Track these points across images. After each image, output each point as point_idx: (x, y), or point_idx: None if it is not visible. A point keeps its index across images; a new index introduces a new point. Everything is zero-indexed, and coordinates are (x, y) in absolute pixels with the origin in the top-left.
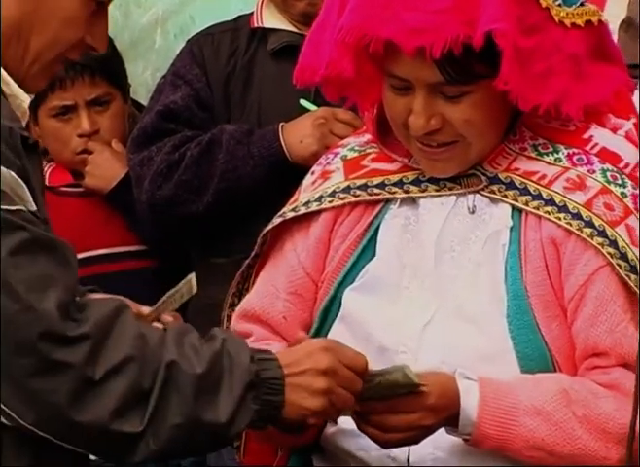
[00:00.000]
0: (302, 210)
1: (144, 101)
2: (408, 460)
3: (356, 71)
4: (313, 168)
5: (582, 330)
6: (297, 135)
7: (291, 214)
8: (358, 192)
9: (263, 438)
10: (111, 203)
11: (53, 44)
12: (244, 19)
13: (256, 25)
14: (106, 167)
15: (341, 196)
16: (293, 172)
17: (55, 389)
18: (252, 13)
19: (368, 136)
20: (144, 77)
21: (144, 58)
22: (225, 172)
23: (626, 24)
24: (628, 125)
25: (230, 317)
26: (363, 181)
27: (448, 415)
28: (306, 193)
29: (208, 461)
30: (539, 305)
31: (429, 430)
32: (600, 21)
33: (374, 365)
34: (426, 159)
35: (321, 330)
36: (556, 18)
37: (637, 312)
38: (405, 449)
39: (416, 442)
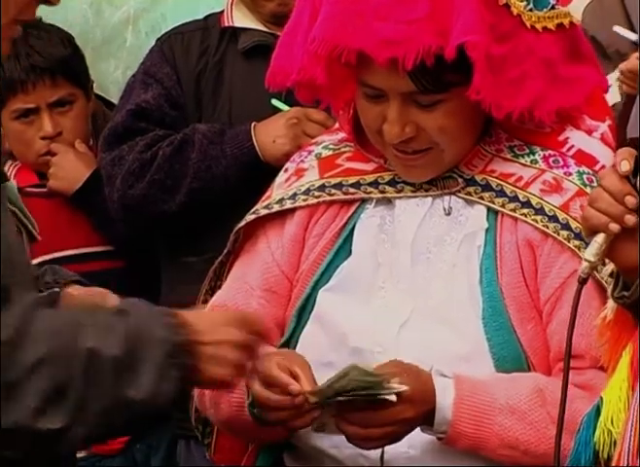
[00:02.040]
0: (276, 208)
1: (115, 99)
2: (381, 459)
3: (328, 77)
4: (286, 165)
5: (557, 332)
6: (269, 135)
7: (264, 211)
8: (333, 191)
9: (237, 434)
10: (76, 205)
11: (7, 6)
12: (214, 18)
13: (226, 24)
14: (70, 169)
15: (316, 194)
16: (265, 172)
17: None
18: (222, 11)
19: (342, 134)
20: (115, 75)
21: (115, 57)
22: (197, 172)
23: None
24: (603, 126)
25: None
26: (338, 180)
27: (426, 410)
28: (280, 190)
29: (179, 460)
30: (514, 306)
31: (409, 424)
32: (572, 23)
33: (348, 364)
34: (401, 165)
35: (296, 329)
36: (528, 24)
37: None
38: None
39: (398, 439)
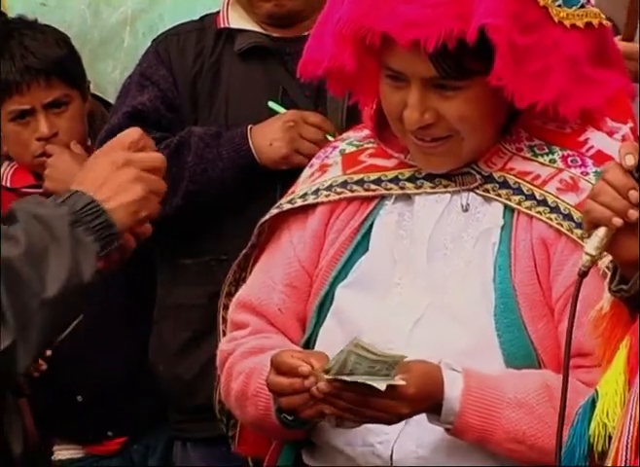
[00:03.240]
0: (299, 202)
1: (113, 100)
2: (391, 458)
3: (357, 65)
4: (312, 161)
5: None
6: (266, 138)
7: (287, 206)
8: (355, 187)
9: (263, 433)
10: None
11: None
12: (210, 19)
13: (222, 26)
14: (65, 170)
15: (338, 190)
16: (262, 175)
17: None
18: (217, 12)
19: (367, 131)
20: (113, 76)
21: (113, 57)
22: (194, 175)
23: None
24: (625, 128)
25: (226, 306)
26: (360, 176)
27: (428, 405)
28: (304, 185)
29: (175, 461)
30: (526, 303)
31: (403, 416)
32: (601, 24)
33: None
34: (421, 153)
35: (317, 325)
36: (556, 19)
37: None
38: (388, 446)
39: (389, 423)
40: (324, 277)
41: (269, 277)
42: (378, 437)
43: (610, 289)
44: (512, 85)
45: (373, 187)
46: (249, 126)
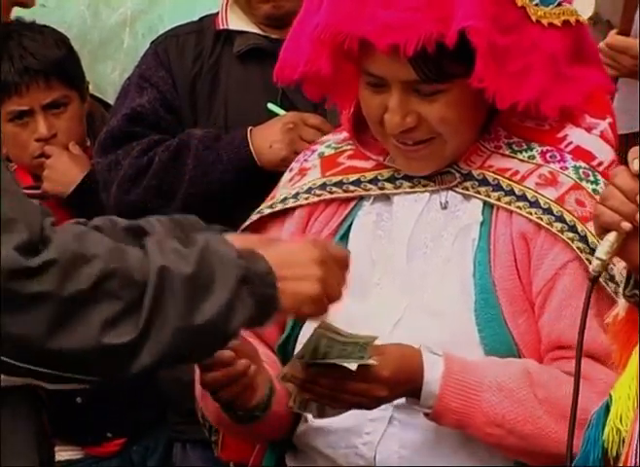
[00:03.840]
0: (279, 206)
1: (113, 101)
2: (374, 458)
3: (333, 69)
4: (292, 165)
5: (548, 323)
6: (266, 140)
7: (268, 210)
8: (334, 189)
9: (238, 434)
10: (70, 207)
11: None
12: (209, 20)
13: (221, 27)
14: (64, 171)
15: (317, 192)
16: (262, 177)
17: (39, 320)
18: (216, 13)
19: (345, 134)
20: (113, 77)
21: (113, 58)
22: (194, 177)
23: (593, 21)
24: (603, 124)
25: None
26: (339, 178)
27: (407, 389)
28: (284, 189)
29: (174, 462)
30: (506, 299)
31: (382, 400)
32: (578, 21)
33: None
34: (403, 157)
35: (295, 327)
36: (533, 18)
37: (607, 305)
38: (372, 447)
39: (368, 408)
40: None
41: None
42: (361, 438)
43: (624, 294)
44: (493, 86)
45: (351, 188)
46: (249, 129)
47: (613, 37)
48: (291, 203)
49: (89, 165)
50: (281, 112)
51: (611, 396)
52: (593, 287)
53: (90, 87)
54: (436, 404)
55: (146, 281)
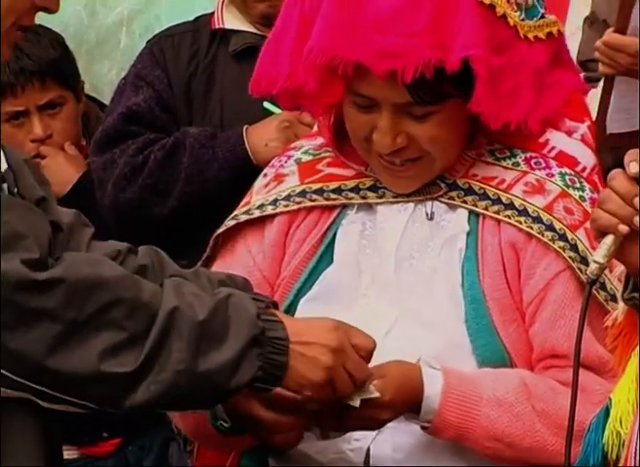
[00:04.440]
0: (257, 213)
1: (109, 101)
2: (366, 461)
3: (319, 87)
4: (265, 171)
5: (540, 333)
6: (261, 138)
7: (244, 217)
8: (314, 196)
9: (217, 446)
10: (66, 207)
11: (6, 13)
12: (204, 20)
13: (217, 26)
14: (60, 172)
15: (297, 199)
16: (257, 175)
17: (39, 337)
18: (212, 13)
19: (321, 139)
20: (109, 76)
21: (109, 58)
22: (189, 176)
23: (590, 20)
24: (583, 128)
25: None
26: (319, 185)
27: (409, 406)
28: (259, 195)
29: (171, 462)
30: (496, 308)
31: (386, 421)
32: (559, 31)
33: None
34: (389, 176)
35: None
36: (521, 33)
37: (599, 314)
38: (360, 453)
39: (372, 430)
40: (287, 288)
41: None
42: (350, 444)
43: (622, 298)
44: (488, 108)
45: (332, 196)
46: (245, 127)
47: (609, 35)
48: (269, 210)
49: (85, 166)
50: (277, 111)
51: (610, 399)
52: (591, 290)
53: (87, 86)
54: (435, 419)
55: (155, 316)
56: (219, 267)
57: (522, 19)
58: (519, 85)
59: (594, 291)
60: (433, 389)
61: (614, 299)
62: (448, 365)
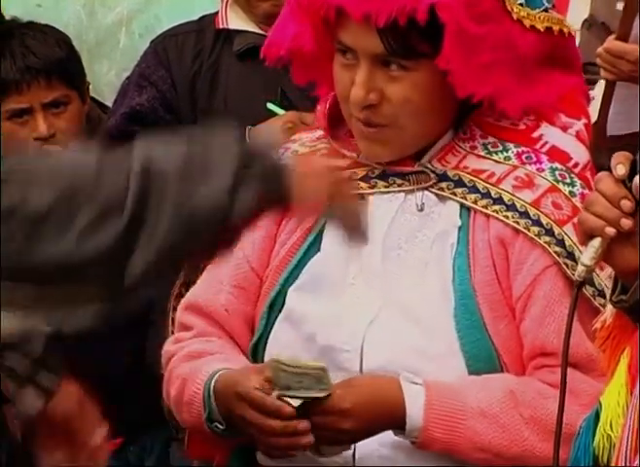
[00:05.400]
0: None
1: (109, 102)
2: (353, 457)
3: (316, 45)
4: None
5: (529, 330)
6: (265, 139)
7: None
8: None
9: (214, 440)
10: None
11: None
12: (208, 20)
13: (221, 26)
14: None
15: None
16: None
17: (11, 238)
18: (216, 13)
19: (319, 132)
20: (109, 77)
21: (109, 58)
22: None
23: (589, 23)
24: (579, 124)
25: (175, 308)
26: None
27: (383, 421)
28: None
29: (172, 462)
30: (486, 304)
31: (351, 433)
32: (562, 31)
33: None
34: (364, 139)
35: (266, 327)
36: (515, 16)
37: (588, 310)
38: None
39: (341, 442)
40: (274, 278)
41: (217, 278)
42: None
43: (611, 300)
44: (459, 72)
45: None
46: (248, 128)
47: (611, 42)
48: None
49: None
50: (280, 112)
51: (600, 403)
52: (578, 293)
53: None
54: (421, 435)
55: (128, 175)
56: (219, 258)
57: (521, 4)
58: (498, 62)
59: (571, 273)
60: (415, 406)
61: (602, 294)
62: (435, 360)
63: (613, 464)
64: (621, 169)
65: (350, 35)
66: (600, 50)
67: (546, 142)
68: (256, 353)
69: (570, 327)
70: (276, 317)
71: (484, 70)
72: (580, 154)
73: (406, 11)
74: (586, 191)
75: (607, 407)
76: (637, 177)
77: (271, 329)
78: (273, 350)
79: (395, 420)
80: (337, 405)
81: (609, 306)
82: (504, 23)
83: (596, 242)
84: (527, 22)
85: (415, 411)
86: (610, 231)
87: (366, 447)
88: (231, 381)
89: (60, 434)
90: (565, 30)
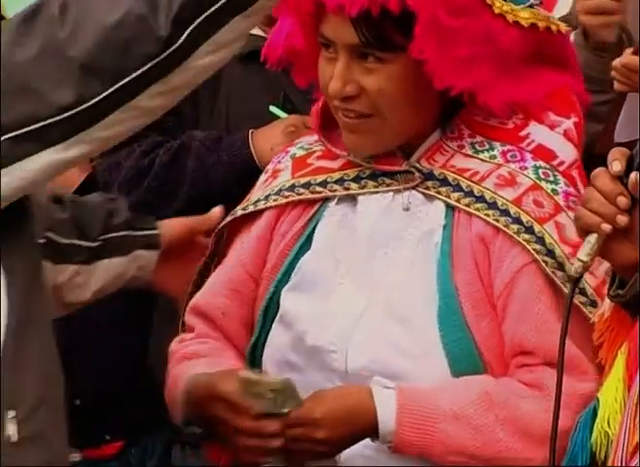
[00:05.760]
0: (251, 208)
1: None
2: (339, 458)
3: (306, 43)
4: (267, 167)
5: (509, 328)
6: (267, 142)
7: (240, 212)
8: (301, 190)
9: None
10: None
11: None
12: None
13: None
14: (64, 175)
15: (286, 194)
16: None
17: None
18: None
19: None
20: None
21: None
22: (195, 179)
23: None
24: (568, 123)
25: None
26: (307, 179)
27: (357, 428)
28: (258, 191)
29: (173, 462)
30: (468, 303)
31: (328, 443)
32: (549, 29)
33: (307, 364)
34: (346, 131)
35: (263, 329)
36: (496, 10)
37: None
38: None
39: (320, 454)
40: (268, 280)
41: (215, 282)
42: None
43: (609, 294)
44: (434, 63)
45: (318, 189)
46: (250, 131)
47: (628, 57)
48: (261, 205)
49: (90, 168)
50: (283, 115)
51: (598, 399)
52: (574, 288)
53: None
54: (394, 440)
55: None
56: (222, 262)
57: None
58: (477, 56)
59: (560, 284)
60: (387, 411)
61: (583, 292)
62: (419, 360)
63: (610, 461)
64: (617, 166)
65: (329, 27)
66: (616, 63)
67: (532, 140)
68: (254, 356)
69: (567, 323)
70: (273, 318)
71: (463, 63)
72: (566, 152)
73: (378, 1)
74: (570, 189)
75: (604, 403)
76: (633, 174)
77: (268, 331)
78: (269, 352)
79: (369, 426)
80: (308, 416)
81: (606, 301)
82: (483, 17)
83: (592, 238)
84: (510, 18)
85: (387, 415)
86: (606, 227)
87: (351, 448)
88: (205, 383)
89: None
90: (553, 28)
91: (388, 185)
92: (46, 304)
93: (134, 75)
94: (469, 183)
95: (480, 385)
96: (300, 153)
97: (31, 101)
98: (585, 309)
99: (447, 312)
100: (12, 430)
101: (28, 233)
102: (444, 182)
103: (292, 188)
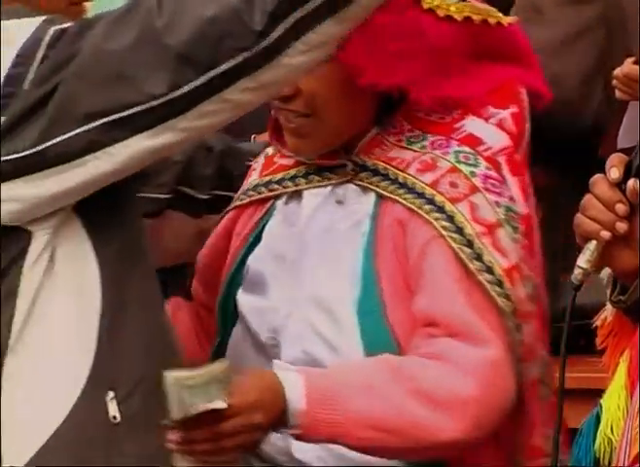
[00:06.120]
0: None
1: None
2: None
3: None
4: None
5: (417, 302)
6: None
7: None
8: (262, 189)
9: None
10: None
11: None
12: None
13: None
14: None
15: (250, 193)
16: None
17: None
18: None
19: None
20: None
21: None
22: None
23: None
24: (503, 113)
25: None
26: (269, 178)
27: (278, 410)
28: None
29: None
30: (389, 289)
31: (263, 426)
32: (486, 22)
33: (263, 361)
34: (287, 133)
35: (224, 331)
36: (426, 6)
37: (472, 284)
38: (286, 439)
39: (254, 446)
40: (223, 280)
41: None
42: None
43: (611, 300)
44: (358, 61)
45: (275, 187)
46: (253, 136)
47: (629, 67)
48: (232, 206)
49: None
50: None
51: (601, 405)
52: (575, 297)
53: None
54: (304, 419)
55: None
56: None
57: None
58: (407, 52)
59: (467, 260)
60: (296, 391)
61: (489, 271)
62: (338, 348)
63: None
64: (614, 173)
65: None
66: (618, 72)
67: (464, 131)
68: (218, 357)
69: (569, 326)
70: (229, 319)
71: (391, 60)
72: (495, 139)
73: None
74: (491, 172)
75: (607, 410)
76: (631, 181)
77: (227, 330)
78: (231, 353)
79: (279, 410)
80: (243, 401)
81: (608, 306)
82: (411, 13)
83: (592, 245)
84: (441, 12)
85: (296, 395)
86: (605, 234)
87: (304, 447)
88: None
89: None
90: (491, 21)
91: (329, 179)
92: (146, 278)
93: (225, 67)
94: (395, 171)
95: (384, 360)
96: (271, 151)
97: (124, 88)
98: (480, 277)
99: (366, 300)
100: (113, 410)
101: (124, 215)
102: (376, 173)
103: (255, 187)
